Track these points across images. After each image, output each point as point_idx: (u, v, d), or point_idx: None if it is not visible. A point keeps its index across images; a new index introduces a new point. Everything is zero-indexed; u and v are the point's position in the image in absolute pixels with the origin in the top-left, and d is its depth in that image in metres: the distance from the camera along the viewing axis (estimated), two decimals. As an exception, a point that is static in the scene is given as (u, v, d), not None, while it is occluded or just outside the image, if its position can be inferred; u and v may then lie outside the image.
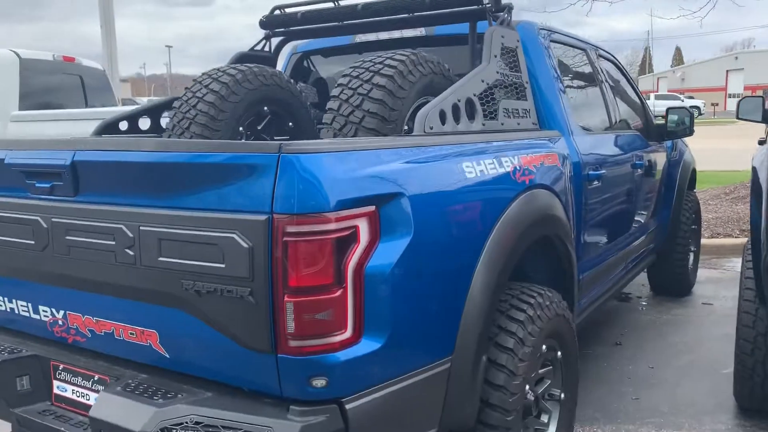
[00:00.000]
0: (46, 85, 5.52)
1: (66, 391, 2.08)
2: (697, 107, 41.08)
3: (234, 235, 1.60)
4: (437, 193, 1.89)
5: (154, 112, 3.16)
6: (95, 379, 2.00)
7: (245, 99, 2.97)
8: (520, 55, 2.92)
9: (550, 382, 2.51)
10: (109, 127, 3.03)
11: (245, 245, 1.59)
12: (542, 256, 2.75)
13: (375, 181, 1.71)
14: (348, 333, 1.63)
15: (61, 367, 2.09)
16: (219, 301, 1.65)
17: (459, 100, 2.35)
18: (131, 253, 1.77)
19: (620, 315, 4.97)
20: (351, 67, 2.56)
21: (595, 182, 3.20)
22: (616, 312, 5.04)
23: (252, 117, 3.08)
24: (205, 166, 1.67)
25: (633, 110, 4.53)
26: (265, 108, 3.10)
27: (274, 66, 3.69)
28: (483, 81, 2.55)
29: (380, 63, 2.51)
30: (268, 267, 1.57)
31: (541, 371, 2.45)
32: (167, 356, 1.83)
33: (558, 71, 3.20)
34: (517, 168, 2.31)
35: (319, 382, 1.60)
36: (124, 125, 3.11)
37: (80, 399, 2.04)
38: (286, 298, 1.56)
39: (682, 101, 40.84)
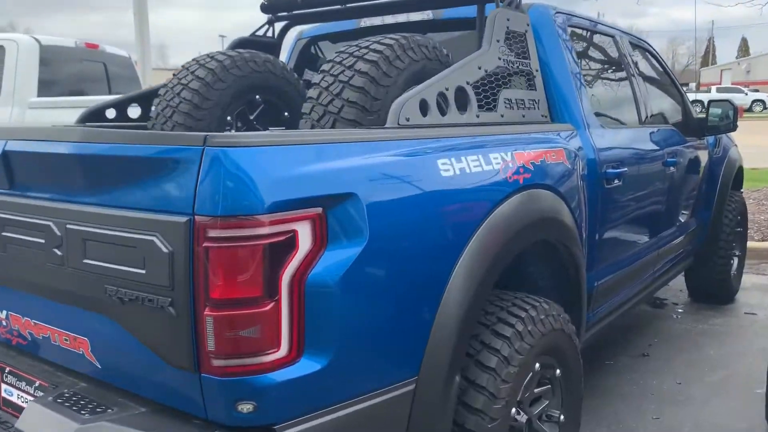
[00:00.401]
0: (67, 73, 5.49)
1: (12, 395, 1.96)
2: (762, 101, 39.28)
3: (154, 238, 1.42)
4: (401, 194, 1.67)
5: (144, 99, 3.02)
6: (36, 385, 1.86)
7: (233, 86, 2.80)
8: (530, 41, 2.65)
9: (547, 402, 2.27)
10: (95, 115, 2.91)
11: (165, 250, 1.41)
12: (545, 263, 2.50)
13: (322, 180, 1.51)
14: (282, 352, 1.44)
15: (7, 369, 1.97)
16: (141, 310, 1.47)
17: (447, 89, 2.11)
18: (59, 253, 1.62)
19: (651, 322, 4.64)
20: (337, 52, 2.35)
21: (615, 181, 2.91)
22: (647, 319, 4.70)
23: (242, 106, 2.91)
24: (128, 160, 1.50)
25: (669, 104, 4.18)
26: (257, 97, 2.93)
27: (278, 53, 3.52)
28: (480, 68, 2.31)
29: (365, 47, 2.29)
30: (189, 275, 1.38)
31: (537, 390, 2.20)
32: (99, 367, 1.67)
33: (576, 59, 2.92)
34: (510, 165, 2.06)
35: (246, 407, 1.41)
36: (111, 113, 2.99)
37: (23, 405, 1.91)
38: (206, 312, 1.38)
39: (746, 94, 39.08)
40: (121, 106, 3.03)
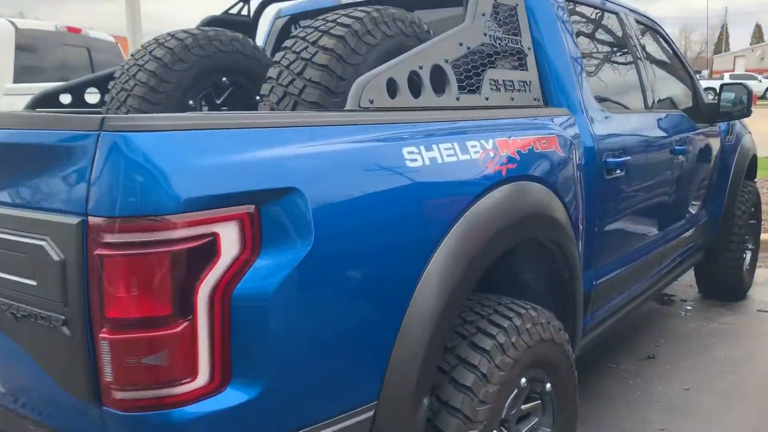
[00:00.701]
0: (48, 58, 5.25)
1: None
2: (775, 88, 38.58)
3: (44, 243, 1.18)
4: (357, 188, 1.41)
5: (103, 82, 2.78)
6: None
7: (195, 67, 2.55)
8: (521, 16, 2.38)
9: (537, 419, 2.02)
10: (46, 101, 2.66)
11: (56, 258, 1.17)
12: (535, 263, 2.24)
13: (255, 173, 1.25)
14: (201, 380, 1.19)
15: None
16: (35, 329, 1.23)
17: (420, 67, 1.85)
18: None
19: (659, 321, 4.37)
20: (302, 27, 2.09)
21: (617, 171, 2.64)
22: (654, 317, 4.43)
23: (207, 89, 2.66)
24: (14, 148, 1.25)
25: (678, 88, 3.89)
26: (224, 79, 2.68)
27: (254, 33, 3.26)
28: (461, 44, 2.04)
29: (332, 21, 2.03)
30: (83, 289, 1.14)
31: (525, 407, 1.95)
32: (2, 390, 1.44)
33: (574, 37, 2.64)
34: (491, 155, 1.80)
35: (157, 446, 1.17)
36: (66, 98, 2.74)
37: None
38: (102, 335, 1.13)
39: (760, 81, 38.39)
40: (77, 91, 2.78)
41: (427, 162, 1.59)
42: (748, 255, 4.79)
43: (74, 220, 1.14)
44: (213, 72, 2.61)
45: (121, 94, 2.48)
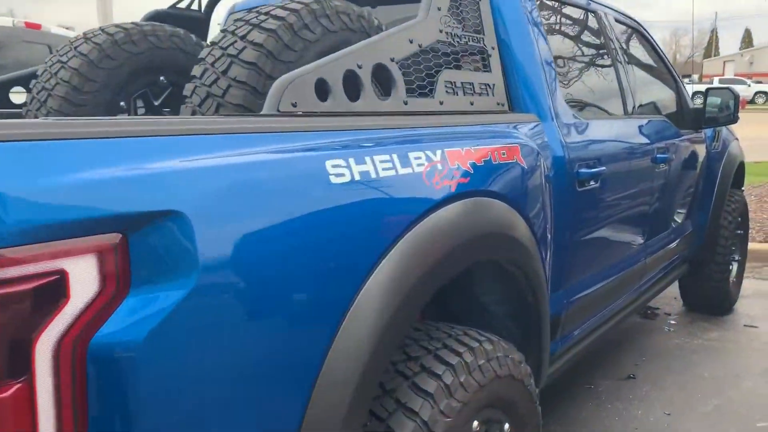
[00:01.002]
0: (5, 55, 4.99)
1: None
2: (765, 92, 38.65)
3: None
4: (259, 209, 1.17)
5: (27, 81, 2.53)
6: None
7: (127, 65, 2.30)
8: (485, 12, 2.16)
9: (494, 464, 1.79)
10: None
11: None
12: (495, 286, 2.01)
13: (122, 193, 1.02)
14: (44, 454, 0.95)
15: None
16: None
17: (359, 66, 1.61)
18: None
19: (641, 337, 4.15)
20: (235, 20, 1.86)
21: (591, 183, 2.42)
22: (635, 332, 4.22)
23: (143, 88, 2.41)
24: None
25: (662, 92, 3.68)
26: (162, 78, 2.44)
27: (206, 28, 3.02)
28: (412, 41, 1.81)
29: (266, 13, 1.80)
30: None
31: (480, 450, 1.72)
32: None
33: (545, 36, 2.42)
34: (438, 167, 1.56)
35: None
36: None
37: None
38: None
39: (749, 86, 38.44)
40: (0, 90, 2.53)
41: (357, 177, 1.35)
42: (735, 266, 4.60)
43: None
44: (149, 71, 2.37)
45: (42, 94, 2.23)
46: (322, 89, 1.52)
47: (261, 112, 1.42)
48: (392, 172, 1.44)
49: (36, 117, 2.22)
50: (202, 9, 2.99)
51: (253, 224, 1.16)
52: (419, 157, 1.52)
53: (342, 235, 1.31)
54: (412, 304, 1.47)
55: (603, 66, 2.99)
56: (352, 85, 1.61)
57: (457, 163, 1.63)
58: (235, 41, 1.74)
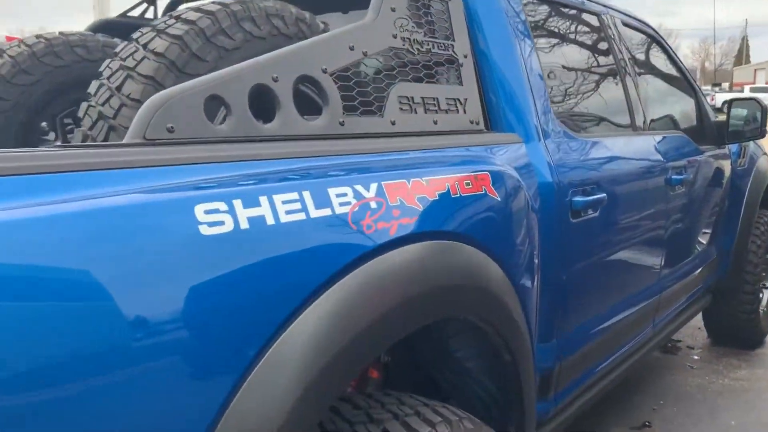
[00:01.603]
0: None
1: None
2: (798, 101, 37.55)
3: None
4: (90, 277, 0.85)
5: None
6: None
7: (46, 81, 2.02)
8: (456, 14, 1.82)
9: None
10: None
11: None
12: (466, 341, 1.66)
13: None
14: None
15: None
16: None
17: (275, 79, 1.28)
18: None
19: (660, 375, 3.74)
20: (143, 26, 1.55)
21: (589, 212, 2.05)
22: (655, 370, 3.81)
23: (71, 106, 2.12)
24: None
25: (678, 104, 3.30)
26: (92, 94, 2.14)
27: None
28: (353, 48, 1.48)
29: (176, 17, 1.48)
30: None
31: None
32: None
33: (533, 43, 2.07)
34: (371, 206, 1.22)
35: None
36: None
37: None
38: None
39: (781, 95, 37.39)
40: None
41: (243, 225, 1.02)
42: (766, 295, 4.16)
43: None
44: (74, 87, 2.07)
45: (-52, 115, 1.95)
46: (213, 109, 1.19)
47: (122, 141, 1.10)
48: (299, 216, 1.10)
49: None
50: (158, 17, 2.69)
51: (60, 301, 0.83)
52: (344, 194, 1.19)
53: (214, 311, 0.98)
54: (327, 395, 1.12)
55: (607, 76, 2.62)
56: (264, 103, 1.28)
57: (400, 199, 1.29)
58: (136, 51, 1.43)
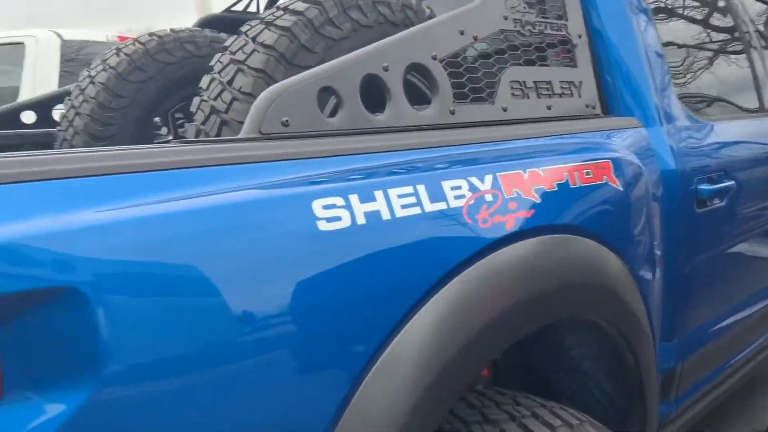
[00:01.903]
0: (99, 69, 5.03)
1: None
2: None
3: None
4: (204, 276, 0.84)
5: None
6: None
7: (159, 77, 2.07)
8: (570, -10, 1.71)
9: None
10: (3, 120, 2.29)
11: None
12: (586, 339, 1.57)
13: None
14: None
15: None
16: None
17: (386, 68, 1.24)
18: None
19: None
20: (253, 19, 1.56)
21: (715, 201, 1.90)
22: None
23: (180, 102, 2.18)
24: None
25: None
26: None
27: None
28: (463, 33, 1.41)
29: (284, 8, 1.48)
30: None
31: None
32: None
33: (651, 19, 1.93)
34: (487, 199, 1.16)
35: None
36: (29, 117, 2.36)
37: None
38: None
39: None
40: (43, 108, 2.40)
41: (360, 220, 0.99)
42: None
43: None
44: (185, 82, 2.13)
45: (70, 113, 2.05)
46: (326, 101, 1.17)
47: (238, 137, 1.09)
48: (415, 211, 1.06)
49: (64, 139, 2.04)
50: (260, 10, 2.72)
51: (189, 299, 0.83)
52: (458, 187, 1.13)
53: (331, 307, 0.95)
54: (444, 388, 1.08)
55: (732, 53, 2.42)
56: (374, 93, 1.24)
57: (516, 191, 1.22)
58: (245, 44, 1.43)
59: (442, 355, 1.06)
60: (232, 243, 0.87)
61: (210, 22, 2.58)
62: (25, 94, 4.60)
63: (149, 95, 2.06)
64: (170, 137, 2.20)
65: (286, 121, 1.09)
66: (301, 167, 1.01)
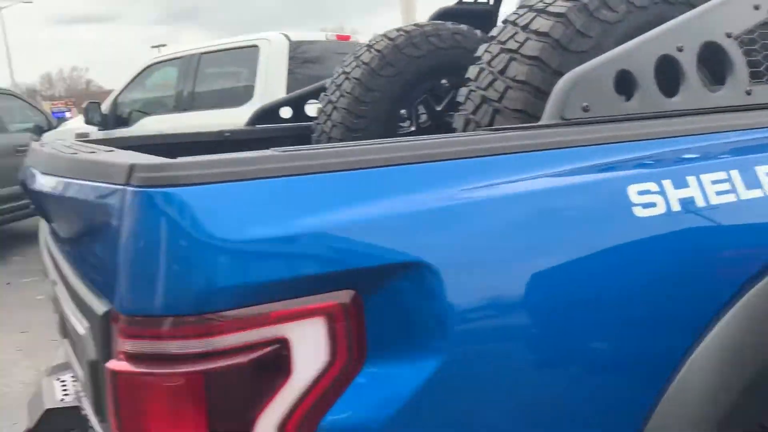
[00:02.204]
0: (317, 68, 5.40)
1: None
2: None
3: (84, 332, 0.89)
4: (521, 257, 0.87)
5: (318, 94, 2.57)
6: None
7: (406, 71, 2.18)
8: None
9: None
10: (267, 115, 2.55)
11: (90, 355, 0.87)
12: None
13: (354, 241, 0.81)
14: None
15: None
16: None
17: (680, 49, 1.19)
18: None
19: None
20: (519, 7, 1.57)
21: None
22: None
23: (423, 94, 2.27)
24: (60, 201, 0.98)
25: None
26: (444, 81, 2.26)
27: (496, 22, 2.78)
28: (758, 7, 1.31)
29: (560, -8, 1.47)
30: (114, 406, 0.81)
31: None
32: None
33: None
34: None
35: None
36: (286, 112, 2.59)
37: None
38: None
39: None
40: (297, 103, 2.62)
41: (675, 207, 0.96)
42: None
43: (102, 308, 0.83)
44: (430, 75, 2.22)
45: (328, 107, 2.22)
46: (622, 83, 1.14)
47: (540, 123, 1.11)
48: (730, 198, 1.00)
49: (323, 131, 2.22)
50: (491, 1, 2.74)
51: (518, 274, 0.86)
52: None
53: (653, 293, 0.94)
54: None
55: None
56: (667, 75, 1.19)
57: None
58: (515, 33, 1.45)
59: (758, 353, 0.99)
60: (553, 223, 0.89)
61: (443, 15, 2.65)
62: (259, 92, 5.08)
63: (397, 88, 2.17)
64: (413, 128, 2.30)
65: (587, 106, 1.09)
66: (606, 152, 1.00)
